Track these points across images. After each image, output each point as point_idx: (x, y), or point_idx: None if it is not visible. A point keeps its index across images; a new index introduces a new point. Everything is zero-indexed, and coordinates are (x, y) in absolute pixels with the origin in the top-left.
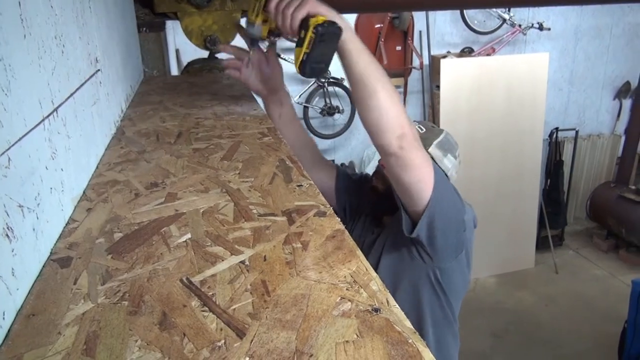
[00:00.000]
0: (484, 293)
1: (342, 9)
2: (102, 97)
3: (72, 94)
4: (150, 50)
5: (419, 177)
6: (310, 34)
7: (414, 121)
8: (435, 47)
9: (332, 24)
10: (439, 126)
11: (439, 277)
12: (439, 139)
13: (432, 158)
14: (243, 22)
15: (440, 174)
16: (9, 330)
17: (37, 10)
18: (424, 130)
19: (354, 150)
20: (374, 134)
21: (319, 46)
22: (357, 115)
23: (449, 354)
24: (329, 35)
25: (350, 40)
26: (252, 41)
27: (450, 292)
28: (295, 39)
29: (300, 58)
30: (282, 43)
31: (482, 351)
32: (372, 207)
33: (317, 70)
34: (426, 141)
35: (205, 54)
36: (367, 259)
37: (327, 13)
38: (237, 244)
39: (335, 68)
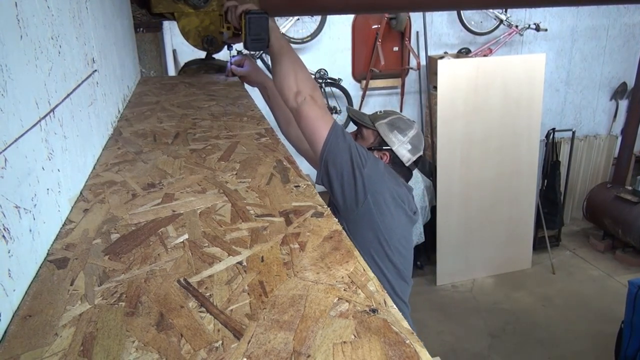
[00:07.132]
0: (481, 293)
1: (338, 11)
2: (99, 98)
3: (68, 95)
4: (147, 50)
5: (313, 128)
6: (244, 20)
7: (384, 110)
8: (432, 48)
9: (259, 12)
10: (436, 127)
11: (348, 229)
12: (390, 118)
13: (378, 132)
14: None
15: (339, 132)
16: (5, 332)
17: (34, 10)
18: (382, 112)
19: None
20: (280, 91)
21: (252, 27)
22: None
23: None
24: (257, 19)
25: (272, 31)
26: (228, 46)
27: (362, 248)
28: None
29: (244, 38)
30: None
31: (480, 351)
32: None
33: (257, 45)
34: (377, 119)
35: (202, 54)
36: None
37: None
38: (235, 244)
39: (333, 68)
